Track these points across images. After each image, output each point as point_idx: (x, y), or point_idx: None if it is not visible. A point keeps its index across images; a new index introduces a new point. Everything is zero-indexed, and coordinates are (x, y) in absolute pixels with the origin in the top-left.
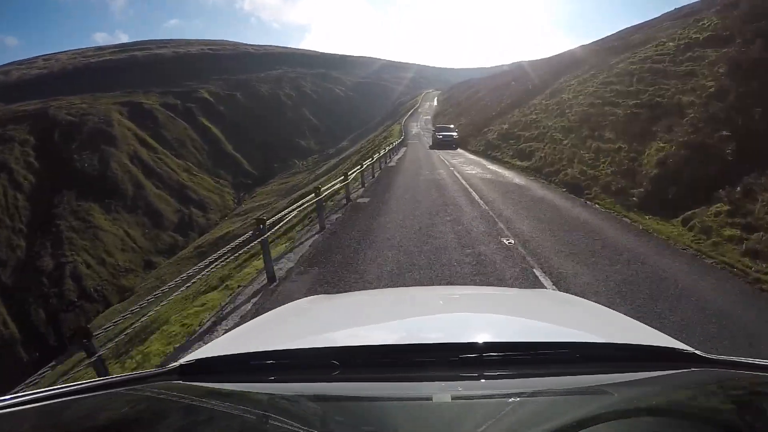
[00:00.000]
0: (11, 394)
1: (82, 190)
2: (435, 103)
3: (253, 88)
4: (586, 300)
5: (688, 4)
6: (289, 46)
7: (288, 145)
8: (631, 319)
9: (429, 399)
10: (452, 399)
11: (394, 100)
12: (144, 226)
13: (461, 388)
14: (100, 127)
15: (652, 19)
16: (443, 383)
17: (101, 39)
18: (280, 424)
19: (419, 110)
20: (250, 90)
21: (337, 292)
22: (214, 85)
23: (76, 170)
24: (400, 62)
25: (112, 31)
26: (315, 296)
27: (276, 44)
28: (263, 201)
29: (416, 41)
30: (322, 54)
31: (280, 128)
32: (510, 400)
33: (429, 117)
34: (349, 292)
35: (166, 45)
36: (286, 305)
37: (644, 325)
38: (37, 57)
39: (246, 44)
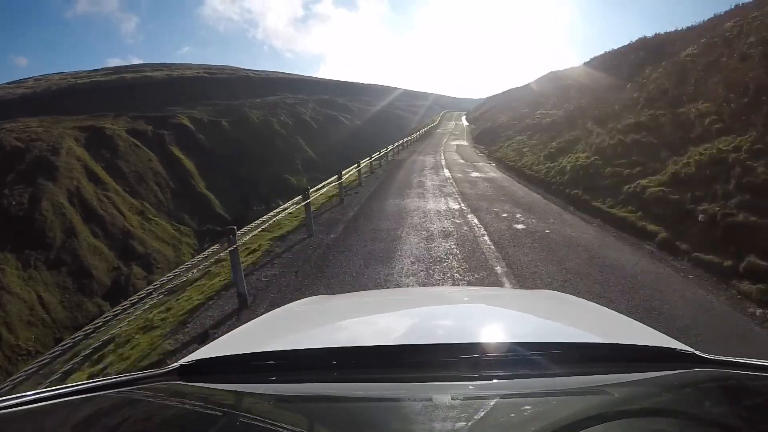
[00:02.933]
0: (11, 394)
1: (1, 235)
2: (464, 121)
3: (243, 115)
4: (585, 300)
5: None
6: (293, 73)
7: (274, 183)
8: (631, 319)
9: (429, 399)
10: (452, 399)
11: (408, 129)
12: (65, 290)
13: (461, 388)
14: (45, 156)
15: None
16: (443, 384)
17: (113, 65)
18: (279, 425)
19: (438, 131)
20: (238, 116)
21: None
22: (199, 111)
23: (2, 209)
24: (415, 91)
25: (125, 57)
26: (315, 297)
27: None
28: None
29: (434, 72)
30: (330, 81)
31: (268, 161)
32: (510, 400)
33: (464, 141)
34: (349, 293)
35: (162, 68)
36: (285, 305)
37: (644, 325)
38: (29, 77)
39: (246, 69)
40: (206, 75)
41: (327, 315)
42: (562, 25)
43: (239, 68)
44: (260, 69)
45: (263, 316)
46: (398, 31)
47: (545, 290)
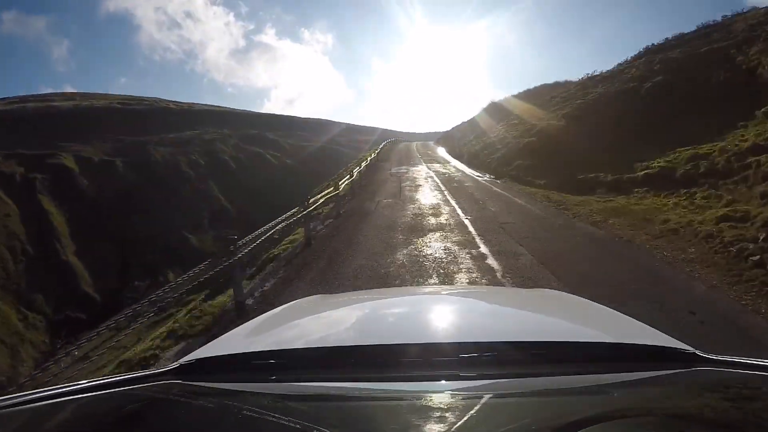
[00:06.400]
0: (11, 394)
1: None
2: (445, 153)
3: (146, 153)
4: (585, 299)
5: None
6: (222, 105)
7: (171, 244)
8: (631, 319)
9: (428, 398)
10: (451, 398)
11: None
12: None
13: (460, 387)
14: None
15: None
16: (442, 382)
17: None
18: (279, 424)
19: (401, 183)
20: (140, 155)
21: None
22: (94, 147)
23: None
24: (360, 125)
25: (59, 85)
26: (314, 296)
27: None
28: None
29: (380, 107)
30: (263, 114)
31: (168, 214)
32: (510, 399)
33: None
34: (349, 292)
35: (74, 98)
36: (285, 305)
37: (644, 324)
38: None
39: (168, 100)
40: (118, 105)
41: (326, 314)
42: (496, 62)
43: (161, 99)
44: (185, 101)
45: (262, 315)
46: (344, 66)
47: (545, 289)
